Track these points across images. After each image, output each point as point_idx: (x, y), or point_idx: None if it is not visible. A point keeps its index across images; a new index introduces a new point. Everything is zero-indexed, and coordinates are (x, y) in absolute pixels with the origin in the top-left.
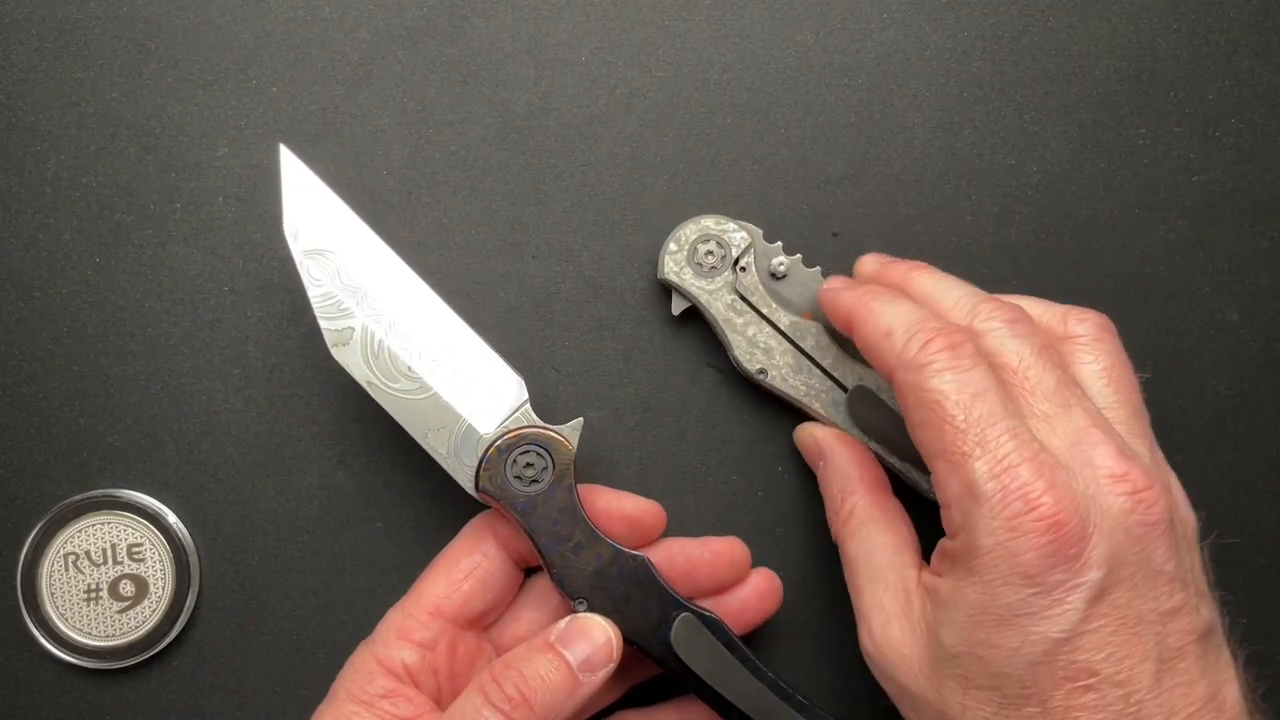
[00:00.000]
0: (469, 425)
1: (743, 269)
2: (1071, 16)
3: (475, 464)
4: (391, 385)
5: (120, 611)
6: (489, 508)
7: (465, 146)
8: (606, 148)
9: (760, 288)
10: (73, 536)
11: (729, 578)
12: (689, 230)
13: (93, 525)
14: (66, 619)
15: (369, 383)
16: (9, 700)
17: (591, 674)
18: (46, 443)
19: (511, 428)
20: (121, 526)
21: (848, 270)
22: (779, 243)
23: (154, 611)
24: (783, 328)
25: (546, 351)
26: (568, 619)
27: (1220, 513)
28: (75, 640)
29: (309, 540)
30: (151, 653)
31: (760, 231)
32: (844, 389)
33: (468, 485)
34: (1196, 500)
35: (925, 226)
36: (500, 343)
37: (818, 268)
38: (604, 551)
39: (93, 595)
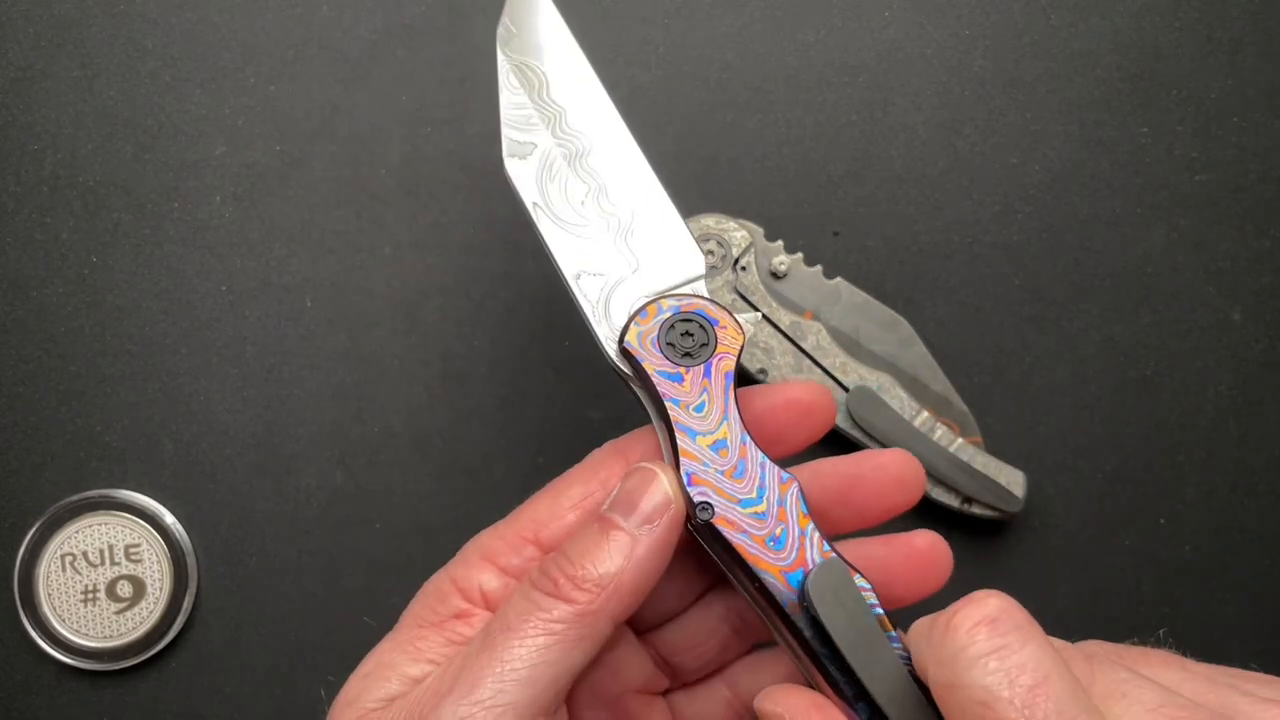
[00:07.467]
0: (630, 279)
1: (743, 268)
2: (1073, 14)
3: (625, 318)
4: (558, 213)
5: (118, 612)
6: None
7: (464, 146)
8: None
9: (761, 287)
10: (70, 537)
11: (897, 502)
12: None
13: (90, 526)
14: (64, 620)
15: (534, 204)
16: (6, 702)
17: (650, 526)
18: (43, 443)
19: (675, 291)
20: (119, 527)
21: (847, 268)
22: (780, 241)
23: (151, 612)
24: (783, 327)
25: (546, 351)
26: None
27: (1222, 513)
28: (72, 641)
29: (307, 541)
30: (149, 654)
31: (761, 230)
32: (844, 389)
33: (610, 343)
34: (1198, 502)
35: (926, 225)
36: (500, 342)
37: (819, 267)
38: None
39: (90, 596)
